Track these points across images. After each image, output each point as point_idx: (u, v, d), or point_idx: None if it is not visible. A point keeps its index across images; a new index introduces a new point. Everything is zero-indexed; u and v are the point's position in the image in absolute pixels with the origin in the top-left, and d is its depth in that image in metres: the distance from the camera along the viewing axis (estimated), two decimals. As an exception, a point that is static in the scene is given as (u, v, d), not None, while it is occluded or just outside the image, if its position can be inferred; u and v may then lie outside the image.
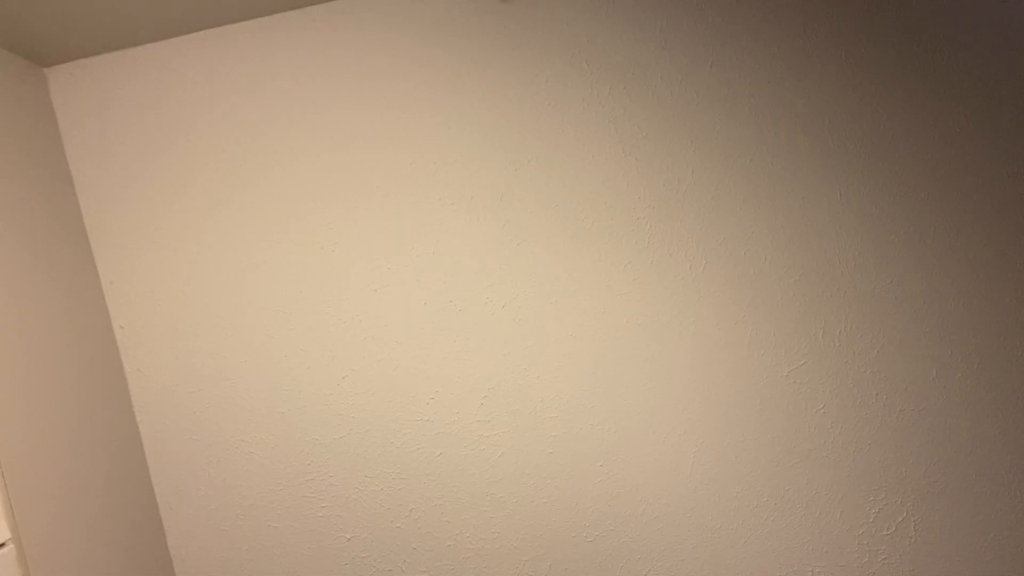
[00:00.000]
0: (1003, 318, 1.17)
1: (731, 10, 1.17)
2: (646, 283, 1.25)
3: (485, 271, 1.29)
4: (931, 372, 1.20)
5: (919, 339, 1.19)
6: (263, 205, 1.34)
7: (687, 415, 1.28)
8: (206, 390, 1.41)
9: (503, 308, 1.30)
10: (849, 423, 1.23)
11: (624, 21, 1.20)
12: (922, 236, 1.17)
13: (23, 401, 1.14)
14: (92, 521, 1.26)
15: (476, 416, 1.33)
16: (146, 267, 1.39)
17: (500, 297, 1.30)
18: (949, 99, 1.14)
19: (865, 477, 1.24)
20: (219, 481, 1.44)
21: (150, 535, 1.44)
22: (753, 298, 1.23)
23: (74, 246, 1.35)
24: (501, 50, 1.23)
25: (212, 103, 1.32)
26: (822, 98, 1.16)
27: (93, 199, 1.38)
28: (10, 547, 1.06)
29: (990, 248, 1.16)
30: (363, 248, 1.32)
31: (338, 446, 1.39)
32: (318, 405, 1.38)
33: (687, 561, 1.32)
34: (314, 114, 1.30)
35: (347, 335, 1.35)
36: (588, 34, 1.21)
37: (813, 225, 1.20)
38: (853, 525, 1.26)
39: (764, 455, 1.27)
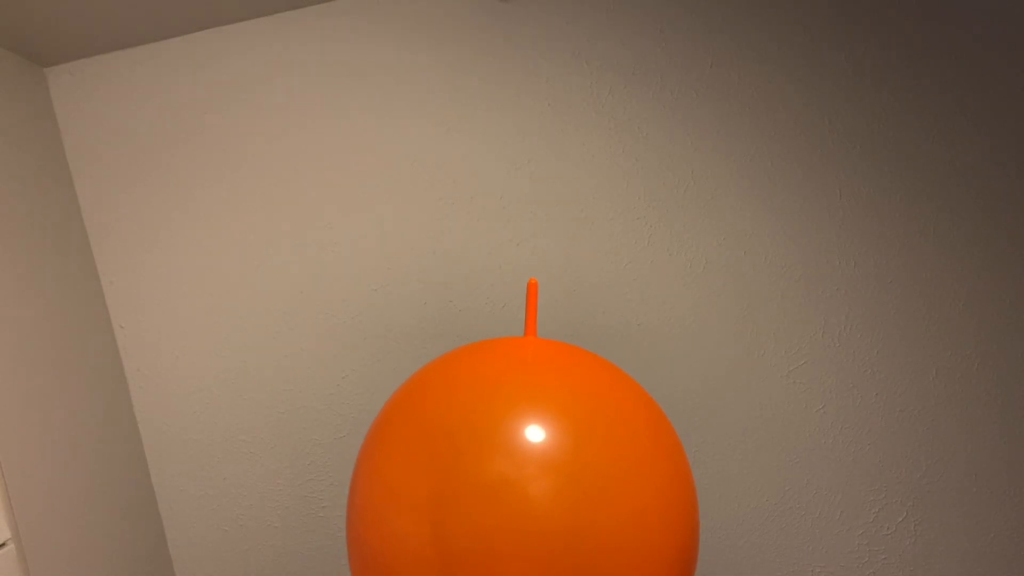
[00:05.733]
0: (1003, 318, 1.17)
1: (731, 10, 1.17)
2: (646, 283, 1.25)
3: (485, 271, 1.29)
4: (931, 372, 1.20)
5: (919, 339, 1.19)
6: (263, 205, 1.34)
7: (687, 415, 1.28)
8: (206, 390, 1.41)
9: (503, 308, 1.30)
10: (849, 423, 1.23)
11: (624, 21, 1.20)
12: (922, 236, 1.17)
13: (23, 401, 1.14)
14: (92, 521, 1.27)
15: (476, 416, 1.33)
16: (146, 267, 1.39)
17: (500, 297, 1.30)
18: (950, 99, 1.13)
19: (865, 477, 1.24)
20: (219, 481, 1.44)
21: (150, 535, 1.44)
22: (753, 298, 1.23)
23: (74, 246, 1.35)
24: (501, 50, 1.23)
25: (212, 103, 1.32)
26: (822, 98, 1.16)
27: (93, 199, 1.38)
28: (10, 547, 1.06)
29: (990, 248, 1.16)
30: (363, 248, 1.32)
31: (338, 446, 1.39)
32: (318, 405, 1.38)
33: (687, 561, 1.32)
34: (314, 114, 1.30)
35: (347, 335, 1.35)
36: (588, 34, 1.21)
37: (813, 225, 1.20)
38: (853, 525, 1.26)
39: (764, 455, 1.27)
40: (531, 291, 0.89)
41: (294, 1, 1.24)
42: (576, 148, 1.24)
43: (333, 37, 1.27)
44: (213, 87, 1.32)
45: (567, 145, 1.24)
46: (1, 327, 1.11)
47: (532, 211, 1.27)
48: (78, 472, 1.25)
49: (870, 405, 1.22)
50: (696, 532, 0.79)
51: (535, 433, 0.70)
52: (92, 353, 1.34)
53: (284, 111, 1.31)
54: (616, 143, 1.23)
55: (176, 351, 1.41)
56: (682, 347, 1.26)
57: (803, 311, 1.22)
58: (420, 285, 1.32)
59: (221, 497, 1.45)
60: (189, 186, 1.35)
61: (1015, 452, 1.19)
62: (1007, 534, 1.22)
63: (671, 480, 0.76)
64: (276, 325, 1.37)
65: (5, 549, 1.05)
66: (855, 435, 1.23)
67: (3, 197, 1.17)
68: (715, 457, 1.28)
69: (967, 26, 1.12)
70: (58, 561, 1.16)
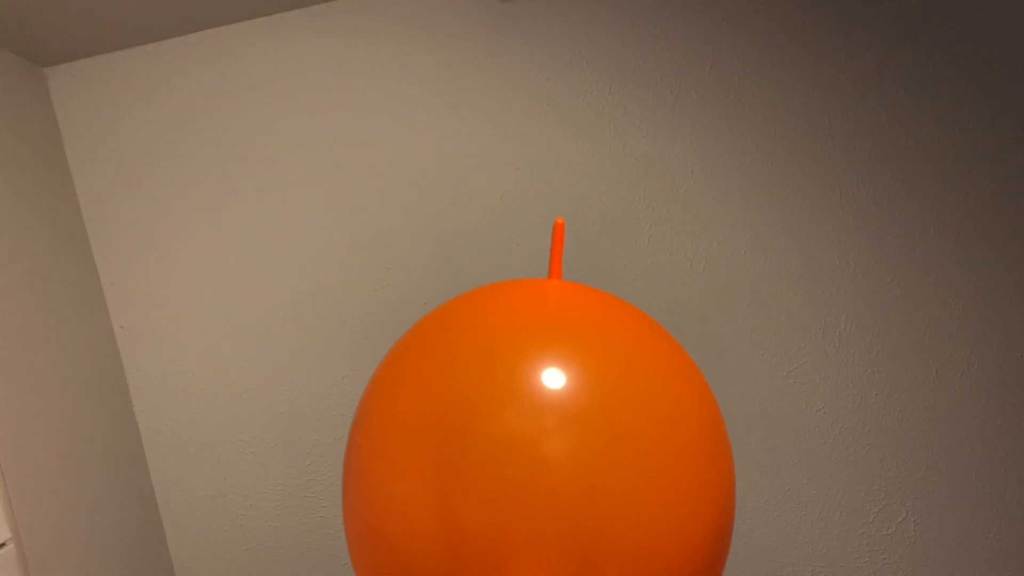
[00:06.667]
0: (1003, 318, 1.17)
1: (731, 10, 1.17)
2: (645, 283, 1.25)
3: (484, 271, 1.29)
4: (931, 372, 1.20)
5: (919, 339, 1.19)
6: (263, 205, 1.34)
7: (687, 415, 1.28)
8: (206, 390, 1.41)
9: (503, 308, 1.30)
10: (849, 423, 1.23)
11: (624, 21, 1.20)
12: (922, 236, 1.17)
13: (23, 401, 1.14)
14: (92, 521, 1.27)
15: (476, 416, 1.33)
16: (146, 267, 1.39)
17: (500, 297, 1.30)
18: (950, 99, 1.13)
19: (865, 477, 1.24)
20: (219, 481, 1.44)
21: (150, 535, 1.44)
22: (753, 298, 1.23)
23: (74, 246, 1.35)
24: (501, 50, 1.23)
25: (212, 103, 1.32)
26: (822, 98, 1.16)
27: (93, 199, 1.38)
28: (10, 547, 1.06)
29: (990, 248, 1.16)
30: (364, 248, 1.32)
31: (338, 446, 1.39)
32: (318, 405, 1.38)
33: (687, 561, 1.32)
34: (314, 114, 1.30)
35: (347, 335, 1.35)
36: (588, 34, 1.21)
37: (813, 225, 1.20)
38: (853, 525, 1.26)
39: (764, 455, 1.27)
40: (557, 231, 0.77)
41: (294, 1, 1.24)
42: (576, 148, 1.24)
43: (333, 37, 1.27)
44: (213, 87, 1.32)
45: (567, 145, 1.24)
46: (1, 327, 1.11)
47: (532, 211, 1.27)
48: (78, 472, 1.24)
49: (870, 405, 1.22)
50: (732, 504, 0.69)
51: (556, 381, 0.59)
52: (92, 353, 1.34)
53: (284, 111, 1.31)
54: (616, 143, 1.22)
55: (176, 351, 1.41)
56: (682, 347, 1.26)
57: (803, 311, 1.22)
58: (420, 285, 1.32)
59: (221, 497, 1.45)
60: (189, 186, 1.35)
61: (1015, 452, 1.19)
62: (1008, 534, 1.22)
63: (709, 441, 0.65)
64: (276, 325, 1.37)
65: (5, 549, 1.05)
66: (855, 435, 1.23)
67: (3, 197, 1.17)
68: (715, 457, 1.28)
69: (967, 25, 1.12)
70: (58, 561, 1.16)
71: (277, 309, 1.36)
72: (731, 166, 1.20)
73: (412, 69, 1.26)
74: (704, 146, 1.20)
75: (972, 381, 1.19)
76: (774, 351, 1.23)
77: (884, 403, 1.22)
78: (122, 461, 1.38)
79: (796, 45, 1.16)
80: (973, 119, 1.13)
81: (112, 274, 1.40)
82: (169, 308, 1.40)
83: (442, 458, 0.59)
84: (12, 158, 1.21)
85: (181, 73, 1.32)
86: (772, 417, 1.25)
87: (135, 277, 1.40)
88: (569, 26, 1.21)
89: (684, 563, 0.61)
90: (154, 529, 1.45)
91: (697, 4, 1.17)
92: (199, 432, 1.43)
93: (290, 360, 1.38)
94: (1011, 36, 1.11)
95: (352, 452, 0.71)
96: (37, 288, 1.22)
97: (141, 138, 1.35)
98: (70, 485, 1.22)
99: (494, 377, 0.60)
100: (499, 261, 1.29)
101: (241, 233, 1.35)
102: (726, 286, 1.23)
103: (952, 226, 1.16)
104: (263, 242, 1.35)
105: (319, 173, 1.32)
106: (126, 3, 1.16)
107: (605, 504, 0.57)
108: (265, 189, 1.34)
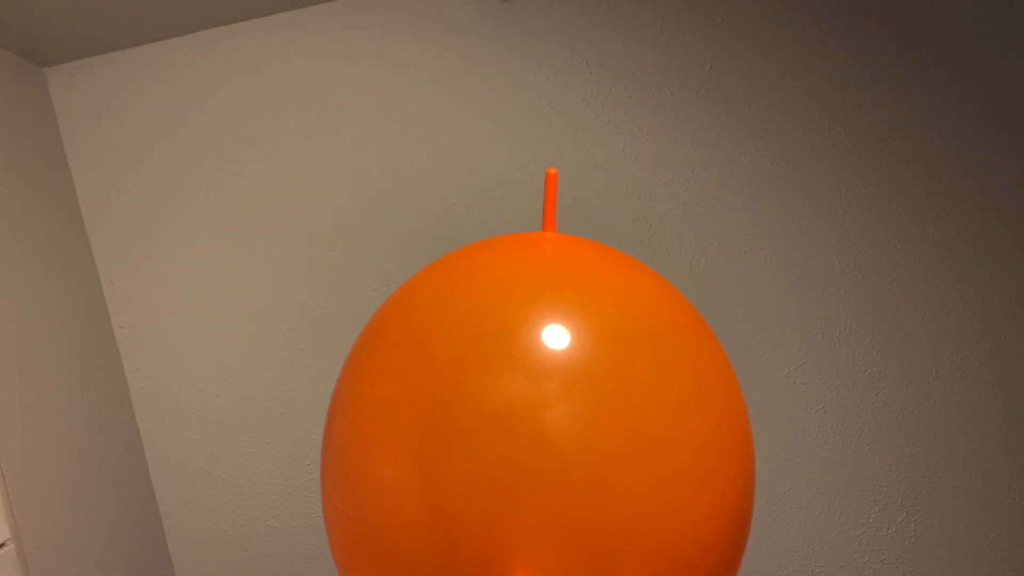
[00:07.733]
0: (1003, 318, 1.17)
1: (731, 10, 1.17)
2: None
3: (485, 271, 1.29)
4: (931, 372, 1.20)
5: (919, 339, 1.19)
6: (263, 205, 1.34)
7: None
8: (206, 390, 1.41)
9: (503, 308, 1.30)
10: (849, 423, 1.23)
11: (624, 21, 1.19)
12: (922, 236, 1.17)
13: (23, 401, 1.14)
14: (92, 521, 1.27)
15: (476, 416, 1.33)
16: (146, 267, 1.39)
17: (500, 297, 1.30)
18: (950, 99, 1.13)
19: (865, 477, 1.24)
20: (219, 481, 1.44)
21: (150, 535, 1.44)
22: (753, 298, 1.23)
23: (74, 246, 1.35)
24: (501, 50, 1.23)
25: (212, 103, 1.32)
26: (822, 98, 1.16)
27: (93, 199, 1.38)
28: (10, 547, 1.06)
29: (991, 248, 1.16)
30: (363, 248, 1.32)
31: (338, 446, 1.39)
32: (318, 405, 1.38)
33: (687, 561, 1.32)
34: (313, 114, 1.30)
35: (347, 335, 1.35)
36: (588, 34, 1.21)
37: (813, 225, 1.20)
38: (853, 525, 1.26)
39: (764, 455, 1.27)
40: (550, 182, 0.69)
41: (294, 1, 1.24)
42: (576, 148, 1.24)
43: (332, 38, 1.27)
44: (213, 87, 1.32)
45: (567, 145, 1.24)
46: (1, 327, 1.11)
47: (532, 212, 1.27)
48: (78, 472, 1.24)
49: (870, 405, 1.22)
50: (753, 494, 0.61)
51: (556, 341, 0.52)
52: (92, 353, 1.34)
53: (283, 111, 1.31)
54: (616, 143, 1.22)
55: (176, 351, 1.41)
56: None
57: (803, 311, 1.22)
58: (420, 285, 1.32)
59: (221, 497, 1.45)
60: (189, 186, 1.35)
61: (1015, 452, 1.19)
62: (1007, 534, 1.21)
63: (729, 414, 0.57)
64: (276, 325, 1.37)
65: (5, 549, 1.05)
66: (855, 435, 1.23)
67: (3, 197, 1.17)
68: (715, 457, 1.28)
69: (967, 24, 1.12)
70: (58, 561, 1.16)
71: (277, 308, 1.36)
72: (731, 166, 1.20)
73: (412, 69, 1.26)
74: (704, 146, 1.20)
75: (972, 381, 1.19)
76: (774, 351, 1.23)
77: (884, 403, 1.22)
78: (122, 461, 1.38)
79: (795, 45, 1.16)
80: (974, 119, 1.13)
81: (112, 274, 1.40)
82: (169, 308, 1.40)
83: (428, 431, 0.52)
84: (12, 158, 1.21)
85: (181, 73, 1.32)
86: (772, 417, 1.25)
87: (135, 277, 1.40)
88: (569, 26, 1.21)
89: (704, 560, 0.54)
90: (154, 529, 1.45)
91: (697, 3, 1.17)
92: (199, 432, 1.43)
93: (290, 360, 1.38)
94: (1011, 38, 1.11)
95: (330, 434, 0.63)
96: (37, 288, 1.22)
97: (141, 138, 1.35)
98: (70, 485, 1.22)
99: (485, 338, 0.53)
100: (499, 261, 1.28)
101: (241, 233, 1.35)
102: (726, 286, 1.23)
103: (952, 226, 1.16)
104: (263, 242, 1.35)
105: (319, 172, 1.32)
106: (126, 3, 1.16)
107: (615, 481, 0.50)
108: (265, 189, 1.33)
